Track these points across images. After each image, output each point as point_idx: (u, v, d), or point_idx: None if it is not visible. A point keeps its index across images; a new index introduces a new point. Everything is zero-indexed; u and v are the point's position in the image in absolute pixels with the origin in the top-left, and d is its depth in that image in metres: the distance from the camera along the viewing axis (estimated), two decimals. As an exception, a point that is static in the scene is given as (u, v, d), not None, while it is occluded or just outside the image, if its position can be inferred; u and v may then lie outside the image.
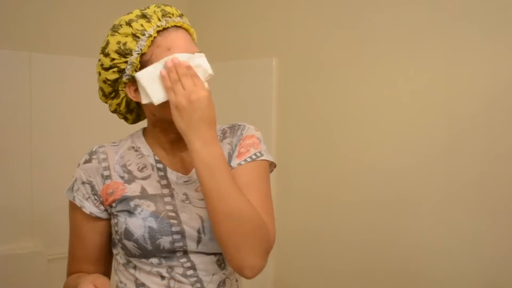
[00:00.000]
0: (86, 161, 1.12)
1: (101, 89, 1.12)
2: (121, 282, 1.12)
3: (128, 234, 1.04)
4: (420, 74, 1.68)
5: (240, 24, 2.37)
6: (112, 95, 1.11)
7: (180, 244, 1.05)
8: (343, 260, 1.91)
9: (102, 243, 1.13)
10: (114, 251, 1.13)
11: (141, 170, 1.10)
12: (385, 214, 1.78)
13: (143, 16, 1.05)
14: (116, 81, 1.07)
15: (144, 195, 1.08)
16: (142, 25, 1.03)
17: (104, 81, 1.09)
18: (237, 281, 1.16)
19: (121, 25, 1.05)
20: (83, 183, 1.10)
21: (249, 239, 0.98)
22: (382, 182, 1.79)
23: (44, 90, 2.23)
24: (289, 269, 2.16)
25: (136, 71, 1.05)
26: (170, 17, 1.06)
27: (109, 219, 1.11)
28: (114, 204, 1.08)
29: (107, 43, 1.06)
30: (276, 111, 2.19)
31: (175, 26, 1.06)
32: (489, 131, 1.52)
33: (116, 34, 1.05)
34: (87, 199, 1.10)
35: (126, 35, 1.04)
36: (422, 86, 1.67)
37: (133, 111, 1.16)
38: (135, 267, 1.08)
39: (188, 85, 0.98)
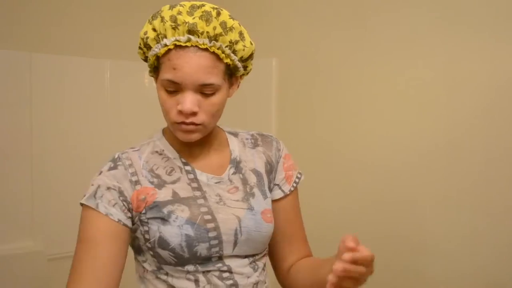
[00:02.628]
0: (111, 168, 1.04)
1: None
2: None
3: (163, 243, 1.00)
4: (420, 74, 1.68)
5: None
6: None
7: (217, 249, 1.03)
8: (343, 260, 1.91)
9: (126, 253, 1.03)
10: (140, 258, 1.08)
11: (169, 173, 1.06)
12: (385, 214, 1.78)
13: (174, 20, 0.98)
14: (145, 58, 1.07)
15: (176, 199, 1.03)
16: (165, 30, 0.98)
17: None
18: (265, 283, 1.14)
19: (159, 16, 1.00)
20: (108, 188, 1.01)
21: None
22: (382, 182, 1.79)
23: (45, 90, 2.23)
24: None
25: (154, 65, 1.03)
26: (198, 35, 0.97)
27: (130, 227, 1.04)
28: (143, 211, 1.02)
29: (144, 27, 1.04)
30: (276, 111, 2.19)
31: (197, 47, 0.97)
32: (489, 131, 1.52)
33: (151, 23, 1.02)
34: (113, 206, 1.00)
35: (154, 29, 1.01)
36: (422, 86, 1.68)
37: None
38: (167, 274, 1.04)
39: None
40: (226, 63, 1.01)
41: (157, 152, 1.09)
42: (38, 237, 2.19)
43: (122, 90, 2.43)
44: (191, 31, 0.97)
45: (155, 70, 1.05)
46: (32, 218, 2.19)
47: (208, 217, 1.03)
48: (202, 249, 1.01)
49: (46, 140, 2.23)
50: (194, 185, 1.06)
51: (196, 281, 1.03)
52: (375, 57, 1.80)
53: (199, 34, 0.97)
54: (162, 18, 0.99)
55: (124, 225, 1.01)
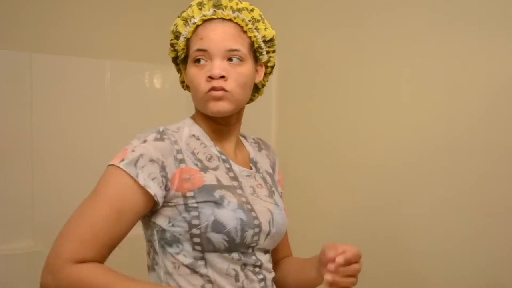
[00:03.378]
0: (157, 139, 1.00)
1: None
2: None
3: (218, 226, 0.98)
4: (420, 74, 1.68)
5: (240, 25, 2.37)
6: (178, 69, 1.16)
7: (256, 238, 1.04)
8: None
9: (131, 228, 0.99)
10: (172, 250, 1.01)
11: (209, 160, 1.05)
12: (385, 215, 1.78)
13: (200, 3, 1.07)
14: (175, 59, 1.14)
15: (221, 185, 1.02)
16: (193, 11, 1.07)
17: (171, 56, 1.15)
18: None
19: (187, 9, 1.09)
20: (151, 160, 0.97)
21: None
22: (382, 182, 1.79)
23: (45, 90, 2.23)
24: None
25: (184, 53, 1.09)
26: (222, 9, 1.06)
27: (158, 205, 0.99)
28: (192, 194, 0.99)
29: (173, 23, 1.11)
30: (276, 111, 2.19)
31: (222, 18, 1.06)
32: (489, 131, 1.52)
33: (180, 15, 1.09)
34: (152, 179, 0.96)
35: (182, 18, 1.08)
36: (422, 86, 1.68)
37: None
38: (206, 265, 1.00)
39: None
40: (250, 38, 1.08)
41: (194, 136, 1.08)
42: (38, 237, 2.19)
43: (122, 90, 2.42)
44: (216, 5, 1.06)
45: (185, 60, 1.10)
46: (32, 218, 2.19)
47: (248, 206, 1.04)
48: (249, 235, 1.02)
49: (47, 140, 2.23)
50: (231, 174, 1.07)
51: (236, 276, 1.03)
52: (375, 57, 1.80)
53: (224, 8, 1.06)
54: (190, 6, 1.08)
55: (156, 202, 0.98)
